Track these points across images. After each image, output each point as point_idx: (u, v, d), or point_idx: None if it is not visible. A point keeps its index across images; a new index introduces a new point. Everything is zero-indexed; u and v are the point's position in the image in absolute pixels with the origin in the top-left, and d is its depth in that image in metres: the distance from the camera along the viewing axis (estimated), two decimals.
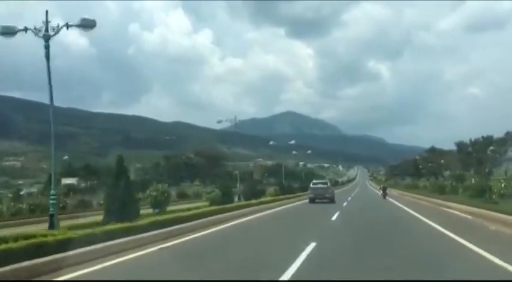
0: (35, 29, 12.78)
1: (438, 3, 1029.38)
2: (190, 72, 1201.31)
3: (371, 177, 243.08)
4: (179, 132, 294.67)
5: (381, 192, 41.85)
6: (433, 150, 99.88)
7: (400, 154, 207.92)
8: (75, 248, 8.05)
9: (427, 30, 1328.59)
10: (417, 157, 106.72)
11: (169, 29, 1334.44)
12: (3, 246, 7.21)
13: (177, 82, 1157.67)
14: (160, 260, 8.61)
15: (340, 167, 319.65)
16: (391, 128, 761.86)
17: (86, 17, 12.71)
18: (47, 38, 12.71)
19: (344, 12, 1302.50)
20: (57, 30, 12.78)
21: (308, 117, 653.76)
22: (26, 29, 12.81)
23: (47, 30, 12.74)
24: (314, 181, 34.67)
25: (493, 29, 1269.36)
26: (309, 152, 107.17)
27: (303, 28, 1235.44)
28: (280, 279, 6.44)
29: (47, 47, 12.75)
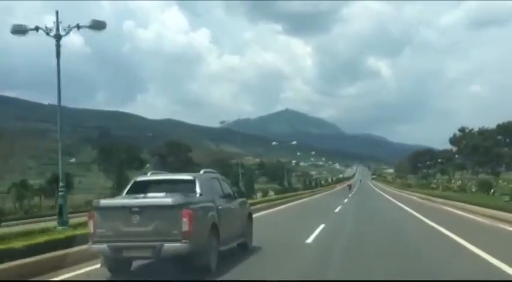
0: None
1: None
2: (187, 70, 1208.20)
3: (374, 176, 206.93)
4: (167, 129, 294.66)
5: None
6: None
7: (402, 153, 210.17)
8: None
9: (428, 27, 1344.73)
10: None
11: (164, 27, 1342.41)
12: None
13: (173, 80, 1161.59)
14: None
15: (337, 165, 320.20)
16: (393, 126, 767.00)
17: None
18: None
19: (343, 7, 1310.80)
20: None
21: (306, 115, 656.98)
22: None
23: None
24: (136, 181, 8.49)
25: (495, 26, 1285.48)
26: (313, 153, 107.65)
27: (301, 24, 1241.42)
28: None
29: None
